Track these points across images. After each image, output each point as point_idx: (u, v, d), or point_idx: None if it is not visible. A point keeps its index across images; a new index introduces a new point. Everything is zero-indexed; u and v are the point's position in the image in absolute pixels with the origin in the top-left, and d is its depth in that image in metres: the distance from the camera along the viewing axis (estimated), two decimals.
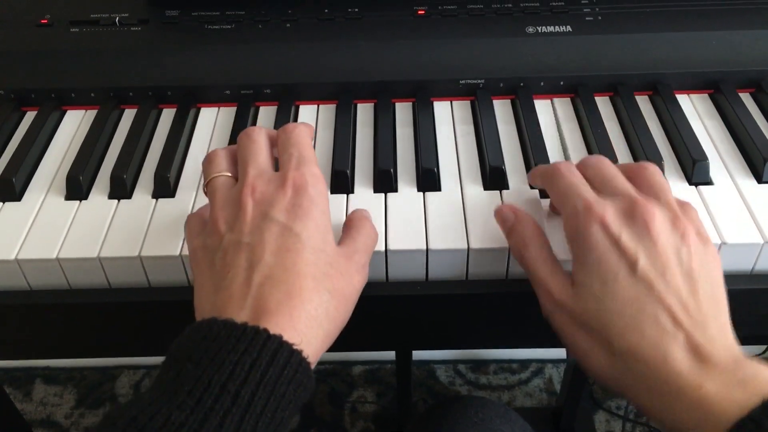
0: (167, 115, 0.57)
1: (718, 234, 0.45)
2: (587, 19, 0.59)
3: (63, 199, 0.50)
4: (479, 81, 0.56)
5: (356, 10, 0.60)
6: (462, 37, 0.58)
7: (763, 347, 1.14)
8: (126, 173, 0.50)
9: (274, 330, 0.34)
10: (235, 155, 0.44)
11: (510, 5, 0.60)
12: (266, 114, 0.57)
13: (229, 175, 0.43)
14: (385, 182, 0.49)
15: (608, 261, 0.37)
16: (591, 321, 0.38)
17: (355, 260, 0.41)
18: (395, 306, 0.47)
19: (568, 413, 1.09)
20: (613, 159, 0.48)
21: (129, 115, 0.57)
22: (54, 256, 0.45)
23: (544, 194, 0.49)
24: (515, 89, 0.57)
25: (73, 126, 0.57)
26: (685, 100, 0.57)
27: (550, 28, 0.58)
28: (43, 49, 0.58)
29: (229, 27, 0.59)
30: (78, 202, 0.50)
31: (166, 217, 0.48)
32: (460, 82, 0.56)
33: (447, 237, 0.46)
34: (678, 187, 0.49)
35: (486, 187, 0.50)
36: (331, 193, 0.50)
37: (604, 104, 0.57)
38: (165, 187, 0.50)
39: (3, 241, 0.47)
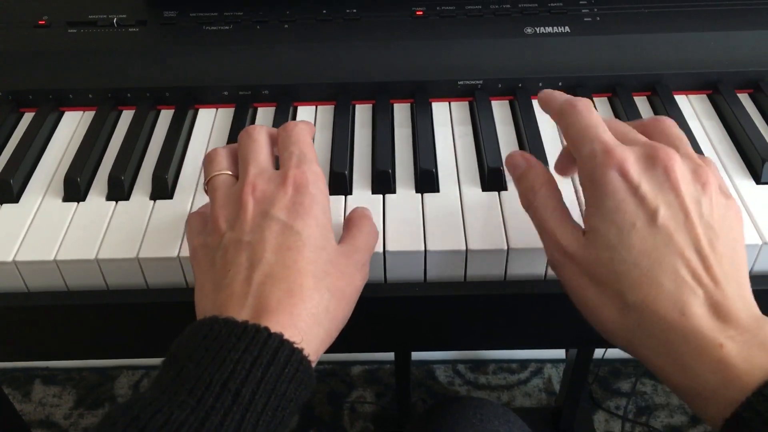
0: (165, 116, 0.57)
1: None
2: (585, 19, 0.59)
3: (61, 200, 0.50)
4: (477, 82, 0.56)
5: (354, 11, 0.60)
6: (460, 38, 0.58)
7: None
8: (124, 174, 0.50)
9: (274, 328, 0.34)
10: (236, 154, 0.44)
11: (508, 6, 0.60)
12: (264, 115, 0.57)
13: (230, 173, 0.43)
14: (383, 183, 0.49)
15: (626, 209, 0.36)
16: (603, 272, 0.36)
17: (356, 259, 0.41)
18: (393, 307, 0.47)
19: (568, 413, 1.09)
20: None
21: (127, 116, 0.57)
22: (52, 257, 0.45)
23: None
24: (514, 90, 0.57)
25: (71, 127, 0.57)
26: (683, 101, 0.57)
27: (549, 29, 0.58)
28: (40, 50, 0.58)
29: (227, 28, 0.59)
30: (76, 203, 0.50)
31: (164, 219, 0.48)
32: (459, 83, 0.56)
33: (445, 238, 0.46)
34: None
35: (484, 188, 0.50)
36: (330, 194, 0.49)
37: (602, 105, 0.57)
38: (163, 189, 0.50)
39: (0, 242, 0.46)
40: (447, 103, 0.57)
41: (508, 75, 0.56)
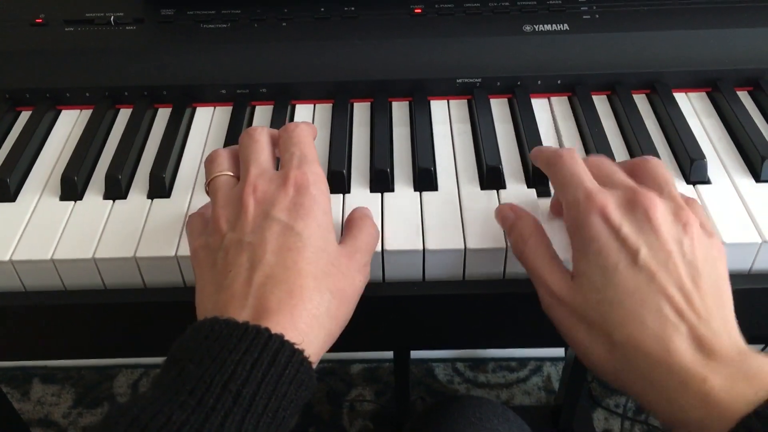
0: (163, 115, 0.57)
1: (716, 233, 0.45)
2: (584, 17, 0.58)
3: (58, 199, 0.50)
4: (476, 80, 0.56)
5: (352, 8, 0.60)
6: (459, 36, 0.57)
7: (761, 347, 1.14)
8: (121, 173, 0.50)
9: (275, 329, 0.34)
10: (237, 155, 0.44)
11: (507, 4, 0.60)
12: (262, 113, 0.57)
13: (231, 174, 0.43)
14: (381, 182, 0.49)
15: (609, 251, 0.37)
16: (591, 313, 0.37)
17: (357, 259, 0.41)
18: (392, 306, 0.47)
19: (567, 411, 1.09)
20: (611, 158, 0.48)
21: (124, 115, 0.57)
22: (49, 257, 0.45)
23: (541, 194, 0.49)
24: (512, 88, 0.56)
25: (68, 126, 0.56)
26: (682, 99, 0.56)
27: (548, 27, 0.58)
28: (37, 49, 0.58)
29: (225, 26, 0.59)
30: (73, 202, 0.49)
31: (162, 218, 0.48)
32: (457, 81, 0.56)
33: (444, 237, 0.45)
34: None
35: (483, 187, 0.49)
36: None
37: (601, 103, 0.56)
38: (160, 188, 0.50)
39: None
40: (445, 102, 0.57)
41: (506, 73, 0.56)
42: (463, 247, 0.45)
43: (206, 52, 0.57)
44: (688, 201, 0.40)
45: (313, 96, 0.57)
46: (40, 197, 0.50)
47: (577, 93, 0.56)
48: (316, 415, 1.18)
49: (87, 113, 0.57)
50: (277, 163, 0.43)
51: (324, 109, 0.57)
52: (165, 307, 0.46)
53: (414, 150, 0.52)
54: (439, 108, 0.56)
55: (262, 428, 0.32)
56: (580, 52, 0.57)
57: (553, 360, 1.26)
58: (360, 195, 0.49)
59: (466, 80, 0.56)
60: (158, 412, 0.30)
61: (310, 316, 0.36)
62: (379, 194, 0.49)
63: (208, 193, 0.43)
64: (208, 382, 0.32)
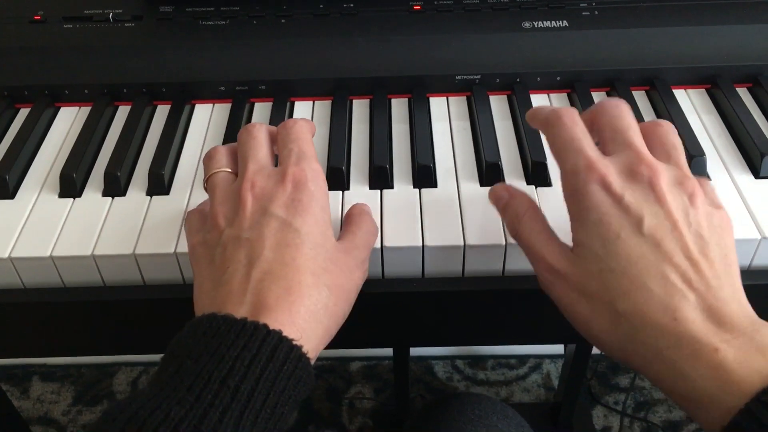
0: (161, 112, 0.57)
1: None
2: (584, 14, 0.58)
3: (57, 196, 0.50)
4: (475, 77, 0.56)
5: (351, 5, 0.60)
6: (458, 33, 0.57)
7: None
8: (120, 170, 0.50)
9: (273, 325, 0.34)
10: (236, 152, 0.44)
11: (506, 0, 0.59)
12: (261, 110, 0.57)
13: (230, 171, 0.43)
14: (380, 179, 0.49)
15: (610, 220, 0.36)
16: (593, 284, 0.36)
17: (355, 255, 0.41)
18: (391, 303, 0.47)
19: (566, 408, 1.09)
20: None
21: (123, 112, 0.57)
22: (47, 254, 0.45)
23: (541, 191, 0.49)
24: (512, 85, 0.56)
25: (67, 123, 0.56)
26: (682, 95, 0.56)
27: (547, 23, 0.58)
28: (36, 46, 0.58)
29: (224, 23, 0.59)
30: (72, 199, 0.49)
31: (161, 215, 0.48)
32: (456, 77, 0.56)
33: (443, 234, 0.45)
34: None
35: (482, 184, 0.49)
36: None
37: (600, 99, 0.56)
38: (159, 185, 0.50)
39: None
40: (445, 98, 0.57)
41: (506, 70, 0.56)
42: (462, 243, 0.45)
43: (205, 50, 0.57)
44: (699, 178, 0.38)
45: (312, 93, 0.57)
46: (39, 194, 0.50)
47: (577, 90, 0.56)
48: (315, 413, 1.18)
49: (86, 110, 0.57)
50: (276, 160, 0.43)
51: (323, 106, 0.57)
52: (164, 304, 0.46)
53: (413, 147, 0.52)
54: (438, 105, 0.56)
55: (261, 424, 0.32)
56: (579, 48, 0.57)
57: (553, 357, 1.26)
58: (359, 192, 0.49)
59: (465, 77, 0.56)
60: (156, 408, 0.30)
61: (309, 313, 0.36)
62: (378, 191, 0.49)
63: (206, 189, 0.44)
64: (206, 378, 0.32)
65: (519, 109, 0.54)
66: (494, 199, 0.43)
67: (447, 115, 0.55)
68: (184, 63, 0.57)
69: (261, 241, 0.37)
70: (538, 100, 0.56)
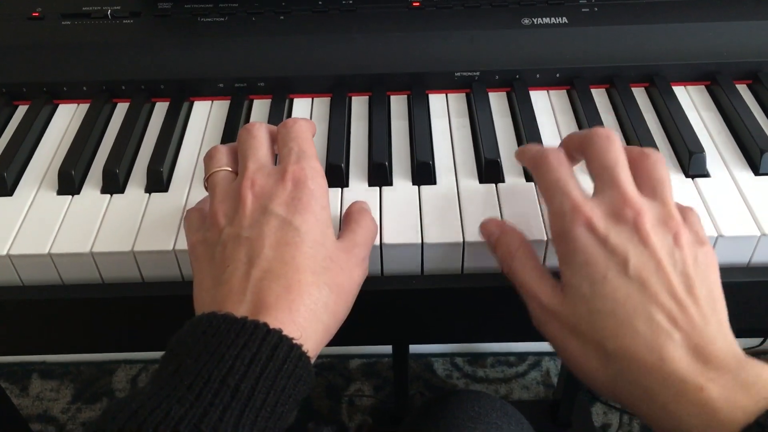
0: (160, 109, 0.57)
1: (714, 226, 0.45)
2: (583, 10, 0.58)
3: (55, 193, 0.50)
4: (475, 73, 0.56)
5: (350, 2, 0.59)
6: (457, 29, 0.57)
7: (759, 340, 1.14)
8: (118, 167, 0.50)
9: (273, 324, 0.34)
10: (236, 151, 0.44)
11: None
12: (260, 107, 0.57)
13: (230, 170, 0.43)
14: (379, 176, 0.49)
15: (596, 261, 0.36)
16: (582, 324, 0.37)
17: (355, 254, 0.41)
18: (391, 300, 0.47)
19: (566, 406, 1.09)
20: None
21: (121, 109, 0.57)
22: (46, 251, 0.45)
23: None
24: (511, 81, 0.56)
25: (65, 120, 0.56)
26: (681, 92, 0.56)
27: (546, 20, 0.57)
28: (34, 43, 0.58)
29: (222, 20, 0.59)
30: (70, 196, 0.49)
31: (160, 212, 0.48)
32: (456, 74, 0.56)
33: (442, 231, 0.45)
34: (674, 180, 0.49)
35: (482, 181, 0.49)
36: None
37: (600, 96, 0.56)
38: (158, 182, 0.50)
39: None
40: (444, 95, 0.57)
41: (505, 66, 0.56)
42: (461, 240, 0.45)
43: (204, 46, 0.57)
44: (684, 210, 0.39)
45: (311, 90, 0.57)
46: (37, 191, 0.50)
47: (576, 86, 0.56)
48: (315, 410, 1.18)
49: (84, 107, 0.57)
50: (276, 160, 0.43)
51: (322, 103, 0.57)
52: (163, 301, 0.46)
53: (412, 144, 0.52)
54: (437, 101, 0.56)
55: (261, 423, 0.32)
56: (578, 45, 0.56)
57: (552, 355, 1.26)
58: (358, 189, 0.49)
59: (464, 74, 0.56)
60: (156, 406, 0.30)
61: (309, 311, 0.36)
62: (378, 188, 0.49)
63: (207, 188, 0.44)
64: (206, 376, 0.32)
65: (518, 105, 0.54)
66: (485, 234, 0.44)
67: (446, 112, 0.55)
68: (182, 60, 0.57)
69: (261, 239, 0.37)
70: (538, 96, 0.56)
